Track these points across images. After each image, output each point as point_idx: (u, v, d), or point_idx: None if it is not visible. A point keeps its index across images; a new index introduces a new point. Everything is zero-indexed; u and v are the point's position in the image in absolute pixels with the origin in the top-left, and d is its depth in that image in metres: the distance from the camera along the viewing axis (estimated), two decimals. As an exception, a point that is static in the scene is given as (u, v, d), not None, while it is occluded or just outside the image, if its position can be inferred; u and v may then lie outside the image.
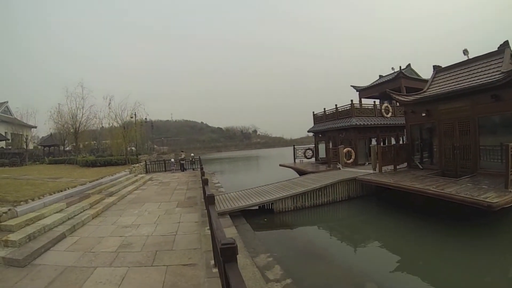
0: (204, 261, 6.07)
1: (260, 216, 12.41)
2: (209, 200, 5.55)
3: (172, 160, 29.06)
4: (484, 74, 13.45)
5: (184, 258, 6.37)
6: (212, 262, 5.83)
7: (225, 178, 30.08)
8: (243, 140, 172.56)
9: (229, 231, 8.73)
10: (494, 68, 13.29)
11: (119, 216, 10.34)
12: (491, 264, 7.64)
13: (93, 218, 9.91)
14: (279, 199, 12.94)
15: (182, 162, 28.19)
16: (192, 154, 32.31)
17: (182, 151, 33.12)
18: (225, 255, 2.48)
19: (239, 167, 49.25)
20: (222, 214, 10.84)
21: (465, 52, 15.90)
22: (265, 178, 23.80)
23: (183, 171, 27.41)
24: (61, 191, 11.34)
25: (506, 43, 13.72)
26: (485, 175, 11.79)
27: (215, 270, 5.44)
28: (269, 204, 12.96)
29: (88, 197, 11.85)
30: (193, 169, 28.54)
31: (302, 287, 6.03)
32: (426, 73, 21.33)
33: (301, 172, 21.49)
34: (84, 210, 10.28)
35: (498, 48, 13.99)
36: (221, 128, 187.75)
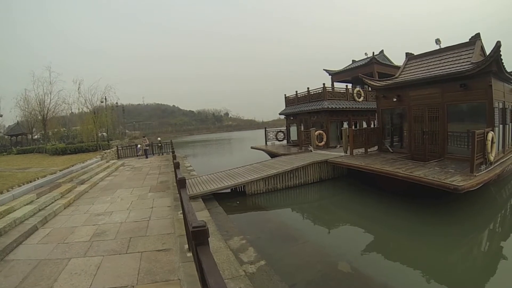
0: (178, 246, 6.09)
1: (233, 198, 12.55)
2: (180, 183, 5.58)
3: (138, 146, 27.81)
4: (455, 64, 13.93)
5: (158, 243, 6.40)
6: (186, 246, 5.86)
7: (197, 161, 30.03)
8: (215, 123, 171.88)
9: (202, 215, 8.84)
10: (464, 58, 13.78)
11: (91, 204, 10.16)
12: (457, 242, 8.18)
13: (65, 208, 9.69)
14: (251, 181, 13.02)
15: (146, 148, 26.52)
16: (159, 139, 31.03)
17: (144, 136, 31.10)
18: (197, 238, 2.47)
19: (211, 150, 48.94)
20: (194, 197, 10.93)
21: (438, 41, 16.30)
22: (237, 160, 23.99)
23: (147, 157, 25.74)
24: (31, 181, 11.06)
25: (477, 35, 14.21)
26: (452, 159, 12.36)
27: (189, 254, 5.47)
28: (241, 187, 13.07)
29: (59, 186, 11.55)
30: (162, 154, 27.85)
31: (276, 268, 6.07)
32: (399, 60, 21.63)
33: (272, 155, 21.66)
34: (55, 200, 10.04)
35: (470, 39, 14.47)
36: (192, 111, 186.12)
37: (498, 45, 10.74)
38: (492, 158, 10.83)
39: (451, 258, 7.37)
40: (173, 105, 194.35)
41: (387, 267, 6.81)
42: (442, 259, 7.15)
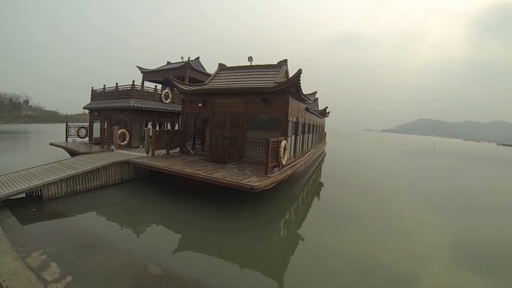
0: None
1: (28, 205, 10.31)
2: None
3: None
4: (261, 80, 15.55)
5: None
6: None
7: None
8: (11, 111, 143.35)
9: (-9, 230, 7.26)
10: (270, 77, 15.56)
11: None
12: (259, 233, 9.27)
13: None
14: (48, 183, 11.00)
15: None
16: None
17: None
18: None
19: (4, 145, 40.80)
20: (-21, 207, 8.67)
21: (250, 59, 18.03)
22: (33, 158, 20.63)
23: None
24: None
25: (285, 61, 16.73)
26: (250, 162, 13.53)
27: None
28: (37, 190, 10.97)
29: None
30: None
31: (85, 282, 5.59)
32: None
33: (73, 153, 19.29)
34: None
35: (278, 63, 16.74)
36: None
37: (299, 72, 12.41)
38: (284, 162, 12.25)
39: (255, 247, 8.28)
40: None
41: (198, 264, 6.92)
42: (248, 249, 8.05)
